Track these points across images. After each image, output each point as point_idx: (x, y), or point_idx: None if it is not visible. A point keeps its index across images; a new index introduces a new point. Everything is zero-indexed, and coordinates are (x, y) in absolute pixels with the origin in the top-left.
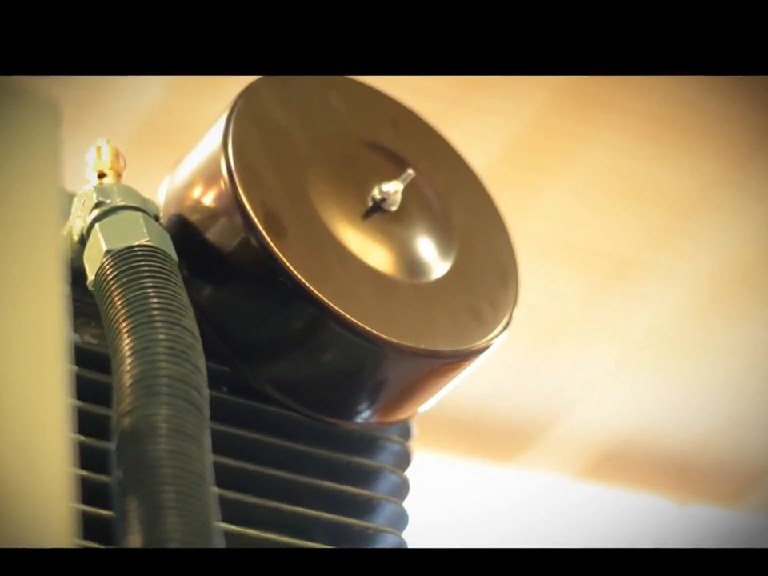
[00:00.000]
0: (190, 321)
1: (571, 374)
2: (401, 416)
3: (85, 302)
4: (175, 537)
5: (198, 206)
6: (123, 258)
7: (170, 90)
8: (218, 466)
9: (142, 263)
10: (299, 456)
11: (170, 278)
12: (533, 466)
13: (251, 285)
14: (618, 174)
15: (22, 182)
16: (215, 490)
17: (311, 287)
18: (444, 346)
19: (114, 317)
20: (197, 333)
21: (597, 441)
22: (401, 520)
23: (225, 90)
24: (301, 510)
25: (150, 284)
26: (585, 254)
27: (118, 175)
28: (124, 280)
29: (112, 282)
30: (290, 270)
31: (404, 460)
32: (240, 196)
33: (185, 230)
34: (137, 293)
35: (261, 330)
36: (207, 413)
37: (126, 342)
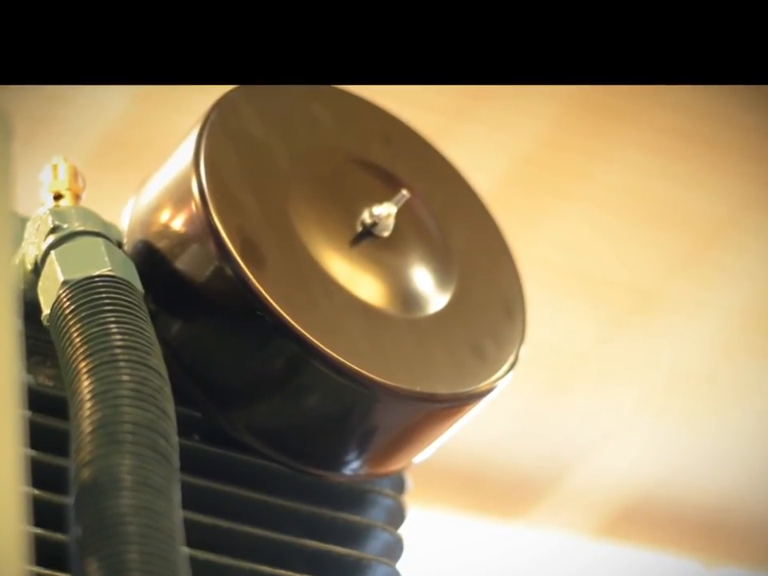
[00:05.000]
0: (158, 360)
1: (585, 420)
2: (394, 467)
3: (39, 339)
4: None
5: (166, 231)
6: (82, 290)
7: (134, 101)
8: (188, 523)
9: (104, 295)
10: (280, 512)
11: (134, 312)
12: (542, 523)
13: (226, 320)
14: (637, 197)
15: None
16: (185, 549)
17: (293, 322)
18: (442, 389)
19: (72, 355)
20: (165, 374)
21: (614, 495)
22: None
23: (196, 102)
24: (282, 572)
25: (113, 319)
26: (600, 285)
27: (77, 197)
28: (83, 314)
29: (70, 316)
30: (269, 302)
31: (397, 516)
32: (213, 220)
33: (152, 259)
34: (98, 329)
35: (237, 371)
36: (176, 463)
37: (86, 383)
